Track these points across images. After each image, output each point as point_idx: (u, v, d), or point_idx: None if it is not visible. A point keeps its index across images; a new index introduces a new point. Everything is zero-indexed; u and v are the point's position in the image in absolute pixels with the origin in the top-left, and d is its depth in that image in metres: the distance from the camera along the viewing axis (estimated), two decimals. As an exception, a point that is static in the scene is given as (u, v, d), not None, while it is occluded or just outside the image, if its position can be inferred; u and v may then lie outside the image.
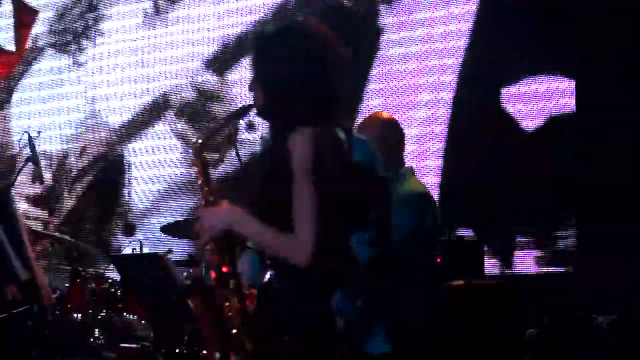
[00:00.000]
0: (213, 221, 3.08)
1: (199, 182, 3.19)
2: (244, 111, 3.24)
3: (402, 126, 4.48)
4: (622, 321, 5.02)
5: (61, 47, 8.34)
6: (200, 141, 3.21)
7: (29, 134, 6.15)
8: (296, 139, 2.97)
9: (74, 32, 8.27)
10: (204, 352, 3.14)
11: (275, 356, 3.01)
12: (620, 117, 6.04)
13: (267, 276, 3.05)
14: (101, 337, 5.64)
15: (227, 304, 3.06)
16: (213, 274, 3.10)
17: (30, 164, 6.03)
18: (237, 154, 5.14)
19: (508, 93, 6.52)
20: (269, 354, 3.02)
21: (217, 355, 3.06)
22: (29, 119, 8.33)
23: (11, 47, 8.63)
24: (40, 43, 8.45)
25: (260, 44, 3.14)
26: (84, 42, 8.26)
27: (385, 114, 4.61)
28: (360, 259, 3.51)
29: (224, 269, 3.09)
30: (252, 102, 3.17)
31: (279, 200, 2.99)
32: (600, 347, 4.96)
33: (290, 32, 3.13)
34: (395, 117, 4.61)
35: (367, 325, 3.75)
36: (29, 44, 8.47)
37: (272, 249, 3.02)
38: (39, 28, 8.43)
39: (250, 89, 3.17)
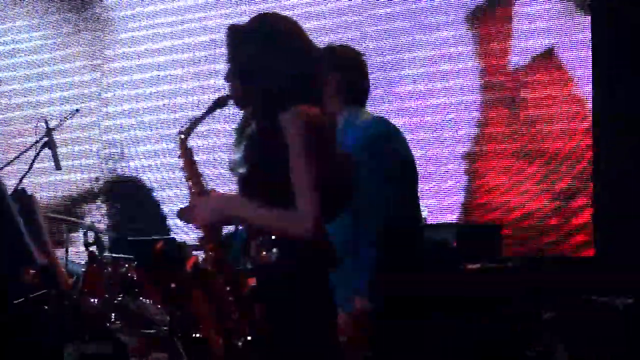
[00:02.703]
0: (208, 210, 3.14)
1: (185, 173, 3.25)
2: (222, 101, 3.30)
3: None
4: (638, 305, 4.97)
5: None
6: (183, 134, 3.28)
7: (45, 120, 6.20)
8: (290, 116, 3.04)
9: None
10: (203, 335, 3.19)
11: (275, 337, 3.05)
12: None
13: (271, 256, 3.07)
14: (117, 321, 5.66)
15: (227, 288, 3.10)
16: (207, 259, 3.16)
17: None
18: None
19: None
20: (268, 335, 3.06)
21: (220, 340, 3.09)
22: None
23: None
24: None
25: (233, 35, 3.23)
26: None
27: None
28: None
29: (218, 255, 3.14)
30: (229, 93, 3.26)
31: (274, 180, 3.06)
32: (615, 330, 4.93)
33: (261, 22, 3.23)
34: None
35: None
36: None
37: (273, 227, 3.06)
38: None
39: (227, 79, 3.25)
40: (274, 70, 3.12)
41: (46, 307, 5.39)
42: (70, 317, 5.52)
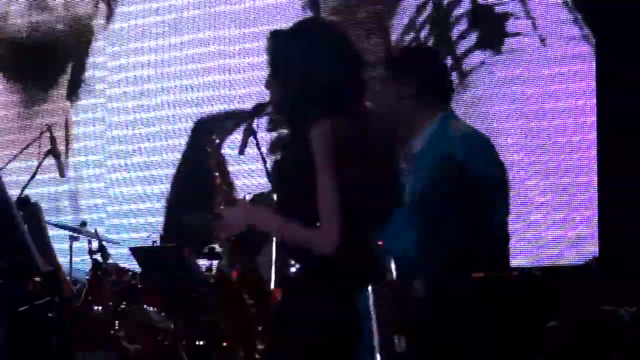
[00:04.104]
0: (235, 219, 3.11)
1: (217, 181, 3.23)
2: (260, 109, 3.28)
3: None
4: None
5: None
6: (217, 141, 3.26)
7: (49, 127, 6.21)
8: (317, 131, 3.01)
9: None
10: (226, 344, 3.17)
11: (296, 353, 3.02)
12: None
13: (292, 271, 3.06)
14: (121, 329, 5.65)
15: (251, 301, 3.09)
16: (235, 273, 3.14)
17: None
18: (258, 146, 5.14)
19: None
20: (289, 350, 3.03)
21: (241, 352, 3.08)
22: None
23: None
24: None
25: (276, 42, 3.20)
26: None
27: None
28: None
29: (244, 266, 3.13)
30: (268, 100, 3.24)
31: (302, 192, 3.03)
32: (620, 340, 4.93)
33: (304, 29, 3.21)
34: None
35: None
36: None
37: (296, 242, 3.04)
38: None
39: (267, 86, 3.22)
40: (315, 77, 3.08)
41: (50, 314, 5.38)
42: (74, 323, 5.52)
